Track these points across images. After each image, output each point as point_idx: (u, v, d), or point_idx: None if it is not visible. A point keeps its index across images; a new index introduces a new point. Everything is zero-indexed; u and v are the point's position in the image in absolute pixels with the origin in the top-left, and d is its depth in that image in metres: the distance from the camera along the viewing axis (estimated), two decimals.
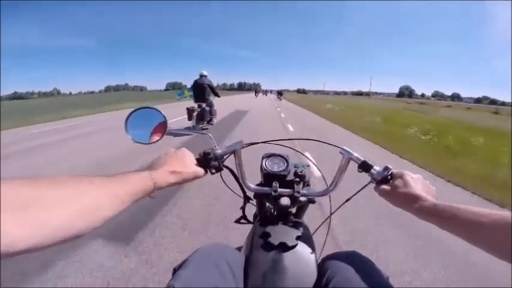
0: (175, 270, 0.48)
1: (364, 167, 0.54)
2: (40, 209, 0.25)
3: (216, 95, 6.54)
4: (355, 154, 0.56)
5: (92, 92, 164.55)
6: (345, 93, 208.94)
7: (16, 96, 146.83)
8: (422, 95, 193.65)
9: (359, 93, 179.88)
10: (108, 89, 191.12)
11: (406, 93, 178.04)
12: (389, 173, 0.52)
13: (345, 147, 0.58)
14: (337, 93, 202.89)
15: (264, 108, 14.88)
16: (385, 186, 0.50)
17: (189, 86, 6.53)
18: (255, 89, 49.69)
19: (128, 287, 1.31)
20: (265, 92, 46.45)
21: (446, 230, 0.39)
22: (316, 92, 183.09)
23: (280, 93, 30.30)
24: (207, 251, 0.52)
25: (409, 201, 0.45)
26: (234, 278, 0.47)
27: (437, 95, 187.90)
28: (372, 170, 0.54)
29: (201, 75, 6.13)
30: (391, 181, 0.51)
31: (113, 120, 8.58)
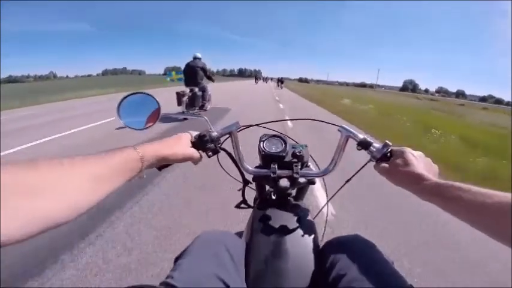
0: (176, 260, 0.48)
1: (363, 144, 0.52)
2: (15, 198, 0.22)
3: (210, 79, 6.12)
4: (354, 131, 0.55)
5: (89, 76, 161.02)
6: (347, 84, 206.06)
7: (11, 80, 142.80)
8: (426, 90, 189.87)
9: (362, 85, 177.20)
10: (105, 72, 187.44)
11: (409, 87, 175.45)
12: (389, 150, 0.49)
13: (343, 125, 0.57)
14: (340, 84, 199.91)
15: (261, 101, 11.10)
16: (385, 164, 0.48)
17: None
18: (255, 75, 48.66)
19: (128, 287, 1.07)
20: (266, 79, 45.65)
21: (448, 211, 0.36)
22: (318, 82, 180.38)
23: (281, 81, 27.61)
24: (207, 239, 0.51)
25: (410, 181, 0.42)
26: (234, 265, 0.46)
27: (441, 91, 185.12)
28: (371, 147, 0.51)
29: (195, 57, 5.76)
30: (391, 159, 0.48)
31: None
